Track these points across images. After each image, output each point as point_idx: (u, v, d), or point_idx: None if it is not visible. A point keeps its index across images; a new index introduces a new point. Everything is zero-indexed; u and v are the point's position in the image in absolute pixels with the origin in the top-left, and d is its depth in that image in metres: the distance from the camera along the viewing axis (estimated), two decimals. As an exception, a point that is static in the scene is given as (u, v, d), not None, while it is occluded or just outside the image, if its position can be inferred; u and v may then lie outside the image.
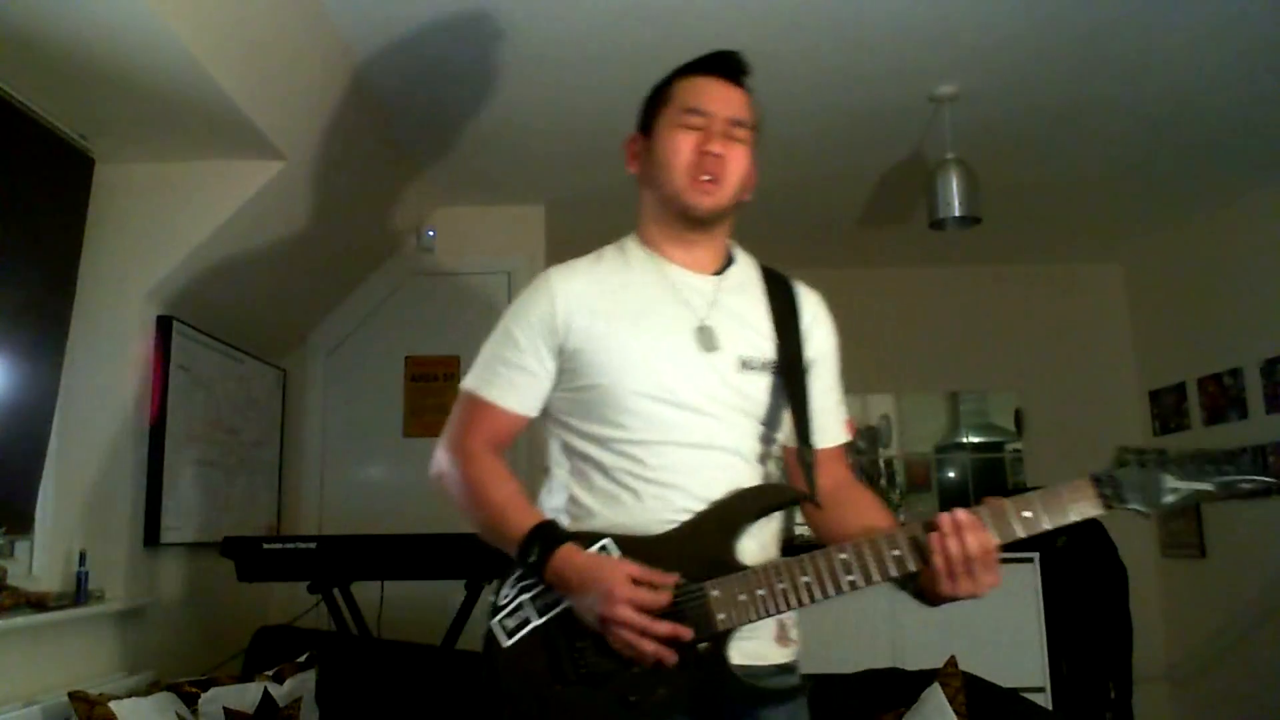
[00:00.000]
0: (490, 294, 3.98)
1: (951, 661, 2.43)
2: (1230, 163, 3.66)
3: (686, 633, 1.23)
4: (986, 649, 2.94)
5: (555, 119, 3.18)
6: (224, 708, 2.29)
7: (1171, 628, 4.55)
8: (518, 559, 1.33)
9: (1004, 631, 3.33)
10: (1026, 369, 4.85)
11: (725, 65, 1.47)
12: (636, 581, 1.24)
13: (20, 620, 2.13)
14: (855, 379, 5.43)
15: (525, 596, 1.33)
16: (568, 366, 1.41)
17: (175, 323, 2.80)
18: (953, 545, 1.24)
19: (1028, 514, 1.26)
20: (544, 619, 1.32)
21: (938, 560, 1.24)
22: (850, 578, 1.27)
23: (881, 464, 4.92)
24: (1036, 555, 3.46)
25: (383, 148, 3.28)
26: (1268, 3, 2.54)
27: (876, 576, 1.27)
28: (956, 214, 3.09)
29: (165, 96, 2.29)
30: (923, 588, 1.29)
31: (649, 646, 1.22)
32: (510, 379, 1.42)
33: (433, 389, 3.92)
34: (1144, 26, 2.65)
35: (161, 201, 2.68)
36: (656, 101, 1.51)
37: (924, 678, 2.42)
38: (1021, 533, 1.26)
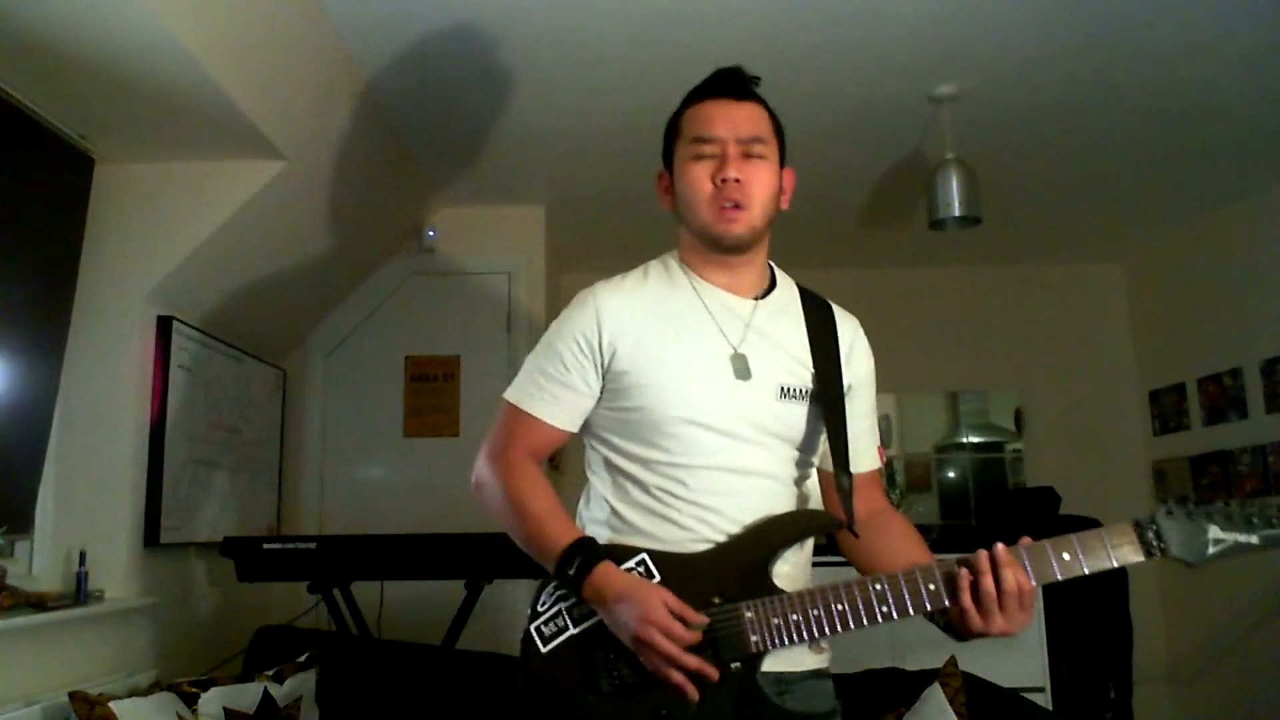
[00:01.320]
0: (490, 294, 3.98)
1: (951, 661, 2.43)
2: (1231, 163, 3.66)
3: (713, 673, 1.25)
4: (986, 649, 2.93)
5: (556, 119, 3.18)
6: (224, 708, 2.29)
7: (1171, 628, 4.55)
8: (556, 572, 1.34)
9: (1004, 631, 3.33)
10: (1026, 369, 4.85)
11: (728, 85, 1.47)
12: (671, 613, 1.26)
13: (20, 620, 2.13)
14: (855, 379, 5.26)
15: (563, 605, 1.36)
16: (611, 386, 1.42)
17: (175, 323, 2.80)
18: (986, 583, 1.24)
19: (1066, 556, 1.26)
20: (580, 629, 1.34)
21: (965, 599, 1.24)
22: (884, 609, 1.29)
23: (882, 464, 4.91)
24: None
25: (383, 148, 3.28)
26: (1268, 3, 2.54)
27: (911, 609, 1.29)
28: (956, 214, 3.09)
29: (165, 96, 2.29)
30: (952, 621, 1.30)
31: (676, 677, 1.24)
32: (553, 394, 1.43)
33: (433, 389, 3.92)
34: (1145, 27, 2.65)
35: (161, 201, 2.68)
36: (671, 135, 1.51)
37: (924, 678, 2.42)
38: (1059, 575, 1.25)
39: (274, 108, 2.53)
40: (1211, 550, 1.23)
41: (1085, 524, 4.32)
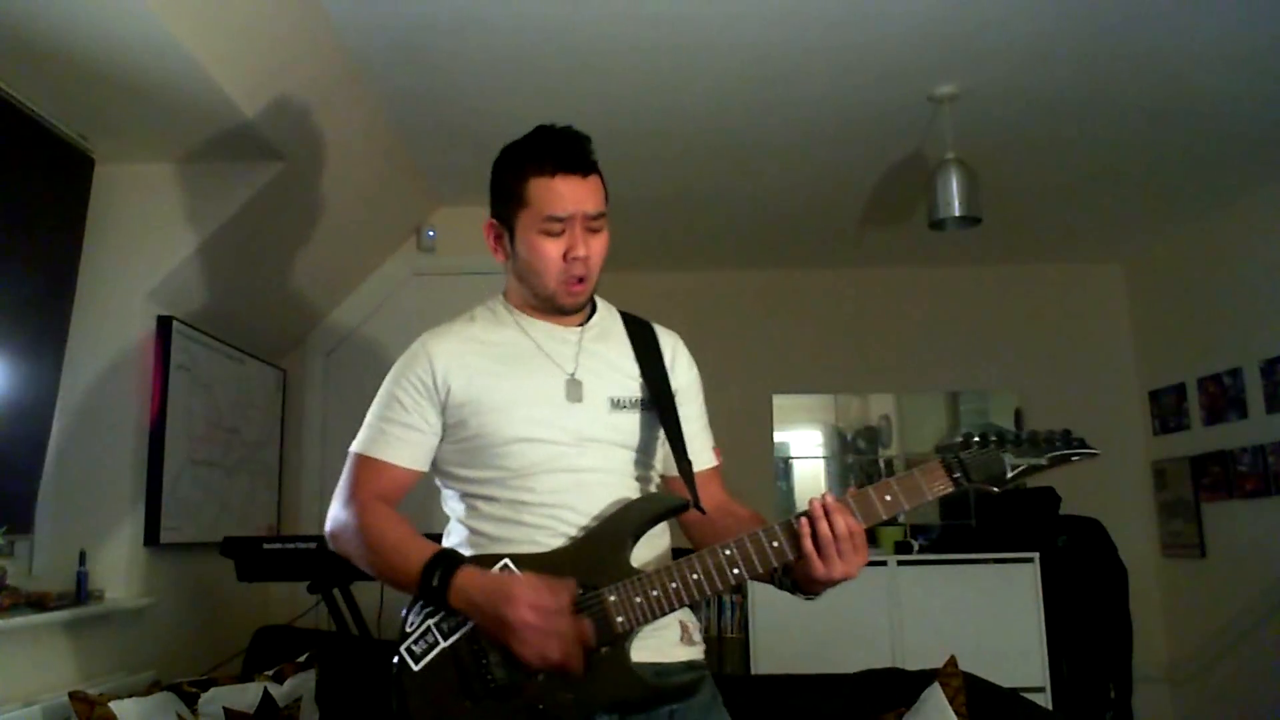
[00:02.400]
0: (490, 294, 3.97)
1: (951, 661, 2.43)
2: (1231, 163, 3.66)
3: (588, 630, 1.29)
4: (986, 649, 2.94)
5: (555, 120, 3.16)
6: (224, 708, 2.29)
7: (1171, 628, 4.55)
8: (420, 589, 1.37)
9: (1004, 631, 3.34)
10: (1026, 369, 4.85)
11: (576, 160, 1.50)
12: (537, 589, 1.29)
13: (20, 620, 2.13)
14: (855, 379, 5.44)
15: (431, 621, 1.39)
16: (451, 421, 1.48)
17: (175, 323, 2.80)
18: (822, 527, 1.31)
19: (889, 497, 1.36)
20: (450, 640, 1.36)
21: (807, 544, 1.31)
22: (735, 570, 1.34)
23: (881, 464, 4.92)
24: (1036, 555, 3.47)
25: (383, 148, 3.28)
26: (1268, 4, 2.54)
27: (760, 567, 1.34)
28: (956, 214, 3.09)
29: (165, 96, 2.29)
30: (798, 578, 1.37)
31: (555, 651, 1.27)
32: (397, 435, 1.49)
33: (433, 389, 3.91)
34: (1145, 27, 2.65)
35: (161, 201, 2.68)
36: (511, 200, 1.53)
37: (924, 678, 2.42)
38: (884, 514, 1.36)
39: (274, 108, 2.53)
40: (1010, 474, 1.38)
41: (1086, 524, 4.31)
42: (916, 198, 3.60)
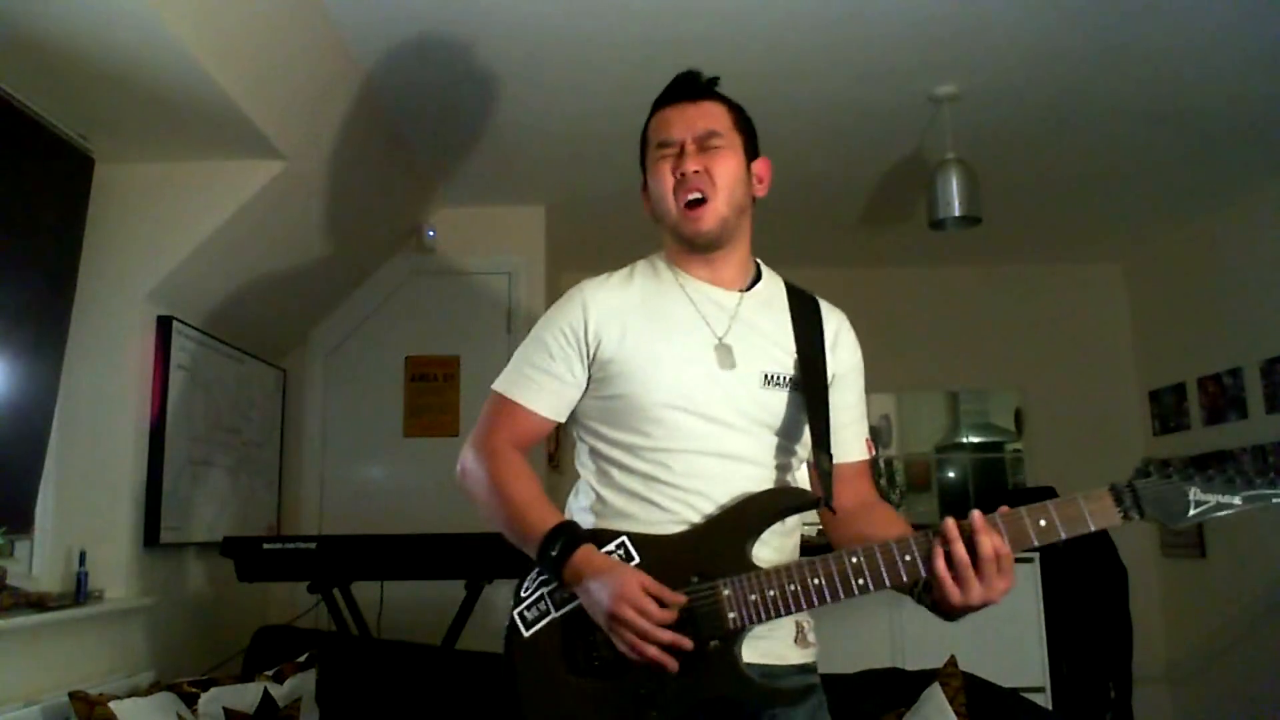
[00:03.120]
0: (490, 294, 3.98)
1: (951, 661, 2.43)
2: (1230, 163, 3.66)
3: (686, 643, 1.26)
4: (986, 649, 2.93)
5: (556, 120, 3.18)
6: (224, 708, 2.29)
7: (1171, 628, 4.55)
8: (538, 556, 1.36)
9: (1004, 631, 3.33)
10: (1026, 369, 4.85)
11: (684, 88, 1.53)
12: (647, 593, 1.27)
13: (20, 620, 2.13)
14: (855, 379, 5.23)
15: (545, 590, 1.38)
16: (598, 376, 1.45)
17: (175, 323, 2.80)
18: (958, 550, 1.24)
19: (1043, 522, 1.25)
20: (562, 612, 1.36)
21: (939, 564, 1.24)
22: (860, 581, 1.28)
23: (881, 464, 4.92)
24: (1036, 555, 3.46)
25: (383, 148, 3.28)
26: (1267, 4, 2.54)
27: (887, 580, 1.28)
28: (956, 214, 3.09)
29: (165, 96, 2.29)
30: (936, 598, 1.30)
31: (650, 651, 1.25)
32: (540, 383, 1.47)
33: (433, 389, 3.92)
34: (1144, 27, 2.65)
35: (161, 201, 2.68)
36: (642, 146, 1.57)
37: (924, 678, 2.42)
38: (1036, 541, 1.25)
39: (274, 108, 2.53)
40: (1193, 511, 1.21)
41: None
42: (916, 198, 3.60)
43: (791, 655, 1.40)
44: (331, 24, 2.55)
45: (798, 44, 2.72)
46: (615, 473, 1.43)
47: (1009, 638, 3.32)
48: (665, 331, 1.44)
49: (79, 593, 2.38)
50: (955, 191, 3.09)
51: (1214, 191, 3.97)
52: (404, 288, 4.02)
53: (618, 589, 1.26)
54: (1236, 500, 1.20)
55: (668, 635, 1.25)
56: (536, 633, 1.36)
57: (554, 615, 1.36)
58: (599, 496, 1.44)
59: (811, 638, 1.45)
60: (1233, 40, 2.72)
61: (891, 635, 3.36)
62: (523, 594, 1.40)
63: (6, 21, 1.94)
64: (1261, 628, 3.93)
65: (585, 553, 1.32)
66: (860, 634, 3.28)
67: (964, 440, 4.95)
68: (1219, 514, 1.21)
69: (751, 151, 1.56)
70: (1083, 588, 3.83)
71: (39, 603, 2.23)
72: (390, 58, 2.75)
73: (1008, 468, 4.89)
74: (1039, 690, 3.27)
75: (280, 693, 2.41)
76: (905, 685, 2.43)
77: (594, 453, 1.47)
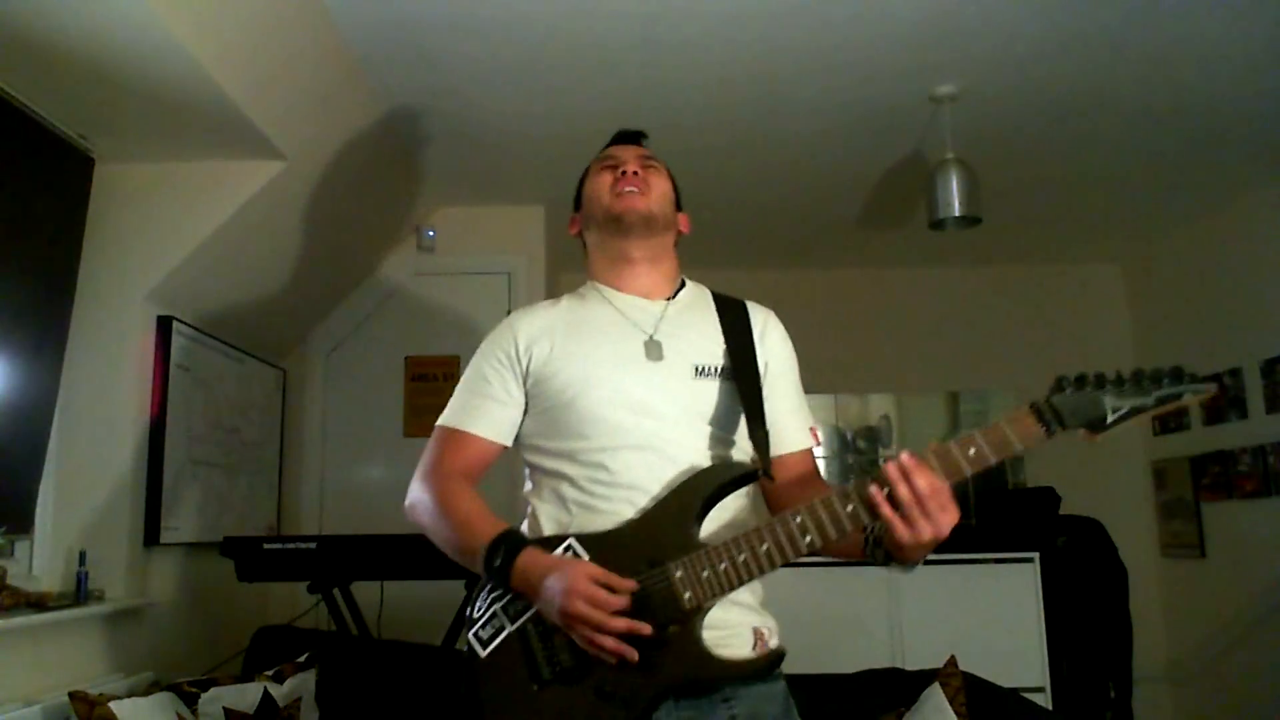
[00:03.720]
0: (490, 294, 3.98)
1: (951, 661, 2.43)
2: (1230, 163, 3.66)
3: (645, 628, 1.25)
4: (986, 649, 2.94)
5: (556, 120, 3.18)
6: (224, 708, 2.29)
7: (1171, 628, 4.55)
8: (484, 567, 1.36)
9: (1004, 631, 3.33)
10: (1026, 369, 4.83)
11: (626, 136, 1.66)
12: (596, 582, 1.27)
13: (20, 620, 2.13)
14: (855, 379, 5.42)
15: (497, 606, 1.37)
16: (533, 391, 1.50)
17: (175, 323, 2.80)
18: (901, 490, 1.25)
19: (972, 450, 1.27)
20: (517, 624, 1.35)
21: (885, 509, 1.25)
22: (808, 539, 1.29)
23: (881, 464, 4.92)
24: (1036, 555, 3.46)
25: (383, 148, 3.28)
26: (1268, 4, 2.54)
27: (833, 533, 1.29)
28: (956, 214, 3.09)
29: (165, 96, 2.29)
30: (888, 548, 1.31)
31: (608, 643, 1.25)
32: (481, 408, 1.51)
33: (433, 389, 3.92)
34: (1145, 27, 2.65)
35: (161, 201, 2.68)
36: (581, 179, 1.67)
37: (924, 678, 2.42)
38: (969, 470, 1.27)
39: (274, 108, 2.53)
40: (1111, 417, 1.25)
41: (1086, 524, 4.29)
42: (916, 198, 3.60)
43: (751, 653, 1.39)
44: (332, 24, 2.55)
45: (798, 44, 2.72)
46: (559, 485, 1.45)
47: (1009, 638, 3.32)
48: (594, 337, 1.50)
49: (79, 593, 2.38)
50: (955, 191, 3.09)
51: (1214, 191, 3.97)
52: (404, 288, 4.02)
53: (567, 584, 1.26)
54: (1149, 401, 1.25)
55: (622, 623, 1.24)
56: (494, 650, 1.35)
57: (510, 629, 1.35)
58: (545, 515, 1.45)
59: (774, 643, 1.43)
60: (1233, 40, 2.72)
61: (891, 635, 3.36)
62: (475, 615, 1.39)
63: (6, 21, 1.94)
64: (1261, 628, 3.93)
65: (530, 555, 1.33)
66: (860, 634, 3.28)
67: (964, 440, 4.95)
68: (1137, 416, 1.26)
69: (678, 203, 1.64)
70: (1083, 588, 3.83)
71: (39, 603, 2.24)
72: (391, 58, 2.75)
73: (1008, 468, 4.88)
74: (1039, 690, 3.27)
75: (280, 693, 2.41)
76: (905, 685, 2.43)
77: (536, 470, 1.51)
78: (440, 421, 1.54)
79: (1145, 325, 4.80)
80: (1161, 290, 4.66)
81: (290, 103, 2.61)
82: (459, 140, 3.35)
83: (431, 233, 3.98)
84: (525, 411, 1.51)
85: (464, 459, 1.50)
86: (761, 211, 4.07)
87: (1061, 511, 3.99)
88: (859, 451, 4.91)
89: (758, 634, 1.41)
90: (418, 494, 1.50)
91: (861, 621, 3.32)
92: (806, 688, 2.42)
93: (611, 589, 1.27)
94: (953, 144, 3.09)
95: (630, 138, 1.65)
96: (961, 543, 3.92)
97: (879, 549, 1.34)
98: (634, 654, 1.25)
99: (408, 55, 2.74)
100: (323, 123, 2.82)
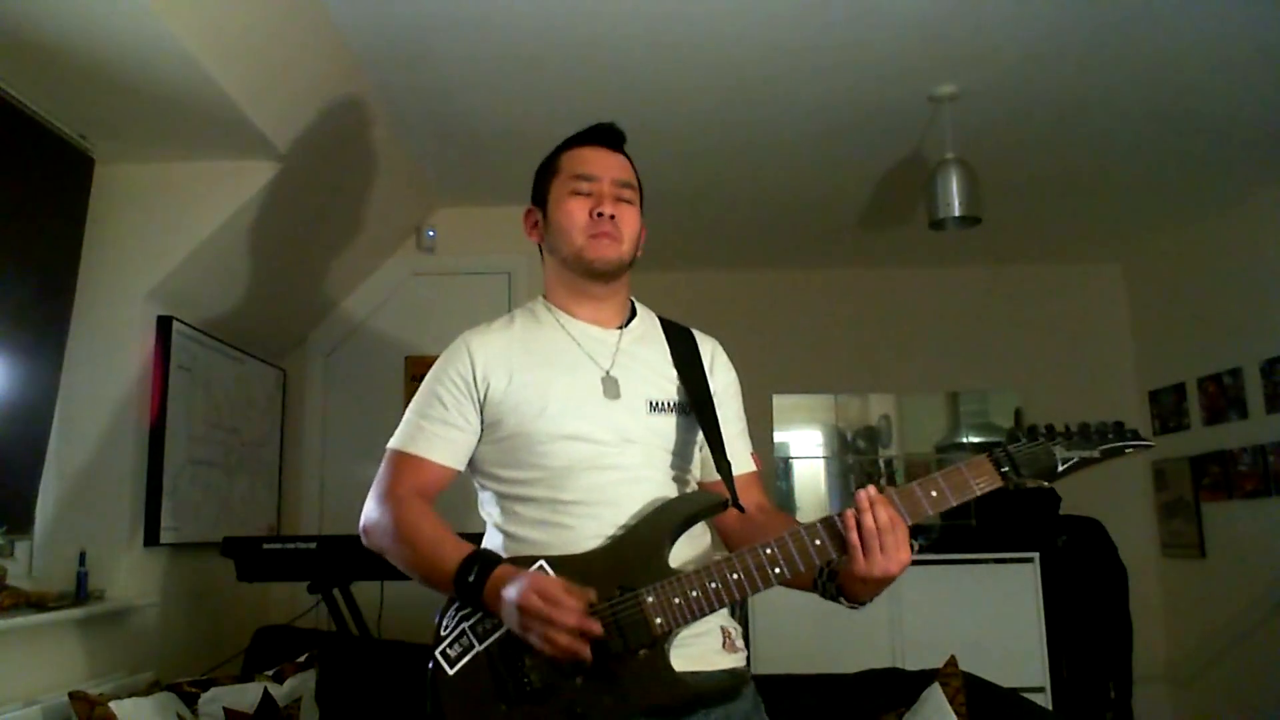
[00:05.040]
0: (490, 294, 3.98)
1: (951, 661, 2.43)
2: (1231, 163, 3.66)
3: (596, 627, 1.25)
4: (986, 649, 2.94)
5: (556, 120, 3.16)
6: (224, 708, 2.29)
7: (1171, 628, 4.55)
8: (455, 586, 1.35)
9: (1004, 631, 3.34)
10: (1026, 369, 4.85)
11: (605, 135, 1.60)
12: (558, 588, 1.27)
13: (20, 620, 2.13)
14: (855, 379, 5.43)
15: (466, 625, 1.37)
16: (490, 419, 1.49)
17: (175, 323, 2.80)
18: (867, 520, 1.28)
19: (934, 493, 1.32)
20: (485, 644, 1.35)
21: (853, 537, 1.28)
22: (777, 570, 1.31)
23: (881, 464, 4.92)
24: (1036, 555, 3.47)
25: (383, 148, 3.28)
26: (1268, 4, 2.54)
27: (801, 565, 1.31)
28: (956, 214, 3.09)
29: (165, 96, 2.29)
30: (843, 581, 1.34)
31: (561, 639, 1.23)
32: (435, 433, 1.49)
33: (433, 389, 3.91)
34: (1145, 27, 2.65)
35: (161, 201, 2.68)
36: (547, 174, 1.62)
37: (924, 678, 2.42)
38: (930, 510, 1.32)
39: (274, 108, 2.53)
40: (1061, 467, 1.34)
41: (1086, 524, 4.29)
42: (916, 198, 3.60)
43: (720, 660, 1.41)
44: (331, 24, 2.55)
45: (798, 44, 2.72)
46: (519, 508, 1.45)
47: (1009, 638, 3.33)
48: (551, 368, 1.48)
49: (79, 593, 2.38)
50: (955, 191, 3.09)
51: (1214, 192, 3.97)
52: (404, 288, 4.02)
53: (525, 583, 1.26)
54: (1095, 454, 1.35)
55: (574, 618, 1.23)
56: (462, 669, 1.34)
57: (479, 648, 1.34)
58: (507, 534, 1.45)
59: (740, 643, 1.46)
60: (1233, 40, 2.72)
61: (891, 635, 3.37)
62: (442, 632, 1.39)
63: (6, 21, 1.94)
64: (1261, 628, 3.93)
65: (503, 570, 1.32)
66: (860, 634, 3.28)
67: (964, 440, 4.95)
68: (1084, 466, 1.35)
69: (641, 210, 1.62)
70: (1083, 588, 3.83)
71: (39, 603, 2.23)
72: (390, 58, 2.75)
73: (1008, 468, 4.88)
74: (1039, 690, 3.27)
75: (280, 693, 2.41)
76: (905, 685, 2.43)
77: (496, 496, 1.49)
78: (392, 444, 1.52)
79: (1145, 325, 4.80)
80: (1161, 290, 4.66)
81: (290, 103, 2.61)
82: (459, 140, 3.35)
83: (432, 233, 3.98)
84: (480, 438, 1.50)
85: (419, 483, 1.48)
86: (761, 212, 4.07)
87: (1061, 511, 3.99)
88: (859, 452, 4.91)
89: (725, 633, 1.44)
90: (375, 516, 1.48)
91: (861, 621, 3.31)
92: (806, 688, 2.43)
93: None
94: (953, 144, 3.10)
95: (608, 139, 1.60)
96: (961, 543, 3.95)
97: (831, 583, 1.36)
98: (587, 652, 1.24)
99: (407, 55, 2.74)
100: (323, 123, 2.81)
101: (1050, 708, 3.22)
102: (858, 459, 4.90)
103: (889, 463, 4.92)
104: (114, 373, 2.63)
